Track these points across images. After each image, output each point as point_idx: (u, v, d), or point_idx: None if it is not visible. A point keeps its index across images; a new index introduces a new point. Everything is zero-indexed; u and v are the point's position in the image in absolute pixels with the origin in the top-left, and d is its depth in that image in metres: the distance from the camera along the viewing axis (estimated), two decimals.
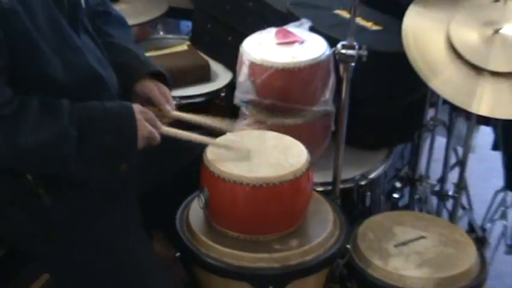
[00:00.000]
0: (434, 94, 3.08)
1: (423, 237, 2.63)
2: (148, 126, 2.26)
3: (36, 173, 2.22)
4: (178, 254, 2.38)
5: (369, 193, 3.04)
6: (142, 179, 2.49)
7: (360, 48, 2.58)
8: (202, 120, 2.46)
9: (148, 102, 2.47)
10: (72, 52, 2.20)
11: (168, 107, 2.44)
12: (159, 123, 2.32)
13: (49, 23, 2.13)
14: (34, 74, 2.11)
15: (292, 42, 2.80)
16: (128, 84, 2.45)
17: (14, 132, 2.01)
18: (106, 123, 2.17)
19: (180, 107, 3.05)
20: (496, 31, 2.63)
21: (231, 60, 2.97)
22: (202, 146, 2.39)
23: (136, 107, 2.26)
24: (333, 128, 2.83)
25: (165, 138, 2.37)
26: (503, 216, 3.49)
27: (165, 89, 2.53)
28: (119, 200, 2.37)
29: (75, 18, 2.28)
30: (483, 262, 2.57)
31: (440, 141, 3.52)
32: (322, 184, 2.81)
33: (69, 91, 2.16)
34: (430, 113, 3.38)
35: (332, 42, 2.71)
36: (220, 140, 2.44)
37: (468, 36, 2.63)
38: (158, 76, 2.55)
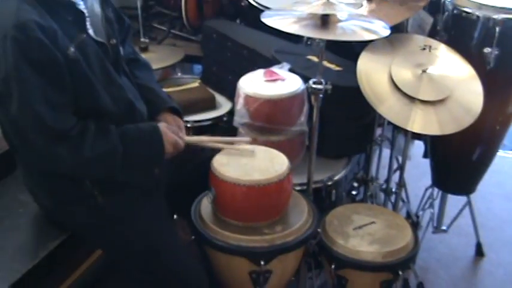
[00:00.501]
0: (381, 117, 3.10)
1: (374, 222, 2.64)
2: (173, 135, 2.30)
3: (92, 179, 2.24)
4: (193, 237, 2.39)
5: (334, 191, 3.02)
6: (168, 180, 2.51)
7: (326, 84, 2.59)
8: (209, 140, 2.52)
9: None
10: (117, 89, 2.24)
11: (180, 135, 2.43)
12: (181, 133, 2.38)
13: (100, 68, 2.17)
14: (90, 106, 2.15)
15: (276, 80, 2.80)
16: (152, 116, 2.47)
17: (79, 147, 2.06)
18: (141, 140, 2.22)
19: (194, 128, 3.09)
20: (424, 71, 2.65)
21: (231, 93, 2.96)
22: (206, 154, 2.44)
23: (162, 124, 2.32)
24: (307, 142, 2.82)
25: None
26: (431, 206, 3.51)
27: (179, 121, 2.54)
28: (152, 198, 2.40)
29: (118, 64, 2.32)
30: (416, 240, 2.58)
31: (386, 151, 3.53)
32: (299, 184, 2.80)
33: (114, 118, 2.20)
34: (378, 131, 3.39)
35: (306, 79, 2.72)
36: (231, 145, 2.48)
37: (404, 74, 2.65)
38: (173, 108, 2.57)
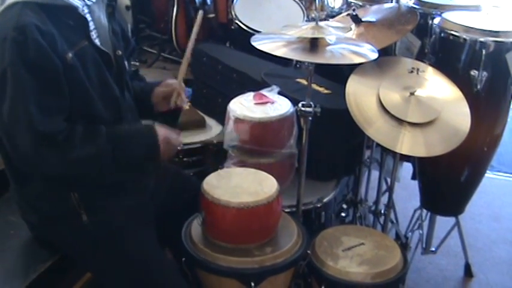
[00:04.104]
0: (369, 139, 3.11)
1: (363, 243, 2.64)
2: (169, 132, 2.34)
3: (79, 196, 2.23)
4: (184, 259, 2.39)
5: (323, 213, 3.03)
6: (157, 208, 2.51)
7: (315, 107, 2.60)
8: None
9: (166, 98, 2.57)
10: (112, 100, 2.26)
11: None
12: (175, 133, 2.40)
13: (97, 77, 2.20)
14: (83, 111, 2.16)
15: (266, 103, 2.80)
16: (149, 93, 2.58)
17: (66, 152, 2.06)
18: (133, 139, 2.23)
19: (184, 150, 3.08)
20: (412, 93, 2.66)
21: (221, 116, 2.96)
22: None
23: (157, 125, 2.34)
24: (296, 165, 2.82)
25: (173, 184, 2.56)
26: (420, 227, 3.52)
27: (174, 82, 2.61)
28: (139, 221, 2.38)
29: (121, 79, 2.35)
30: (405, 261, 2.59)
31: (375, 173, 3.55)
32: (288, 206, 2.79)
33: (106, 122, 2.20)
34: (367, 153, 3.41)
35: (295, 102, 2.73)
36: (211, 176, 2.47)
37: (392, 97, 2.66)
38: None
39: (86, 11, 2.22)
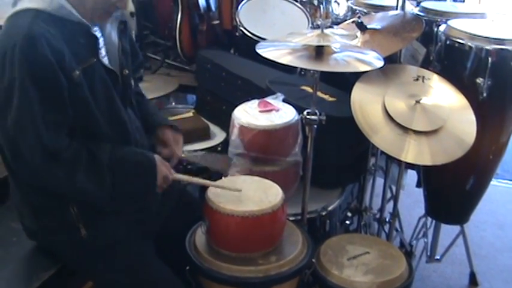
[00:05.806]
0: (374, 147, 3.10)
1: (368, 252, 2.62)
2: (165, 170, 2.28)
3: (78, 210, 2.21)
4: (187, 267, 2.37)
5: (328, 221, 3.02)
6: (161, 226, 2.50)
7: (320, 115, 2.59)
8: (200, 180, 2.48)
9: (164, 144, 2.54)
10: (117, 119, 2.24)
11: (178, 151, 2.49)
12: (171, 170, 2.34)
13: (104, 94, 2.17)
14: (86, 128, 2.14)
15: (270, 110, 2.78)
16: (152, 129, 2.53)
17: (73, 170, 2.05)
18: (133, 170, 2.20)
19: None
20: (418, 101, 2.65)
21: (225, 123, 2.95)
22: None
23: (157, 157, 2.29)
24: (301, 173, 2.81)
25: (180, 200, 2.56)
26: (425, 235, 3.51)
27: (179, 137, 2.58)
28: (139, 234, 2.36)
29: (126, 96, 2.32)
30: (411, 269, 2.58)
31: (379, 181, 3.53)
32: (293, 215, 2.78)
33: (109, 141, 2.19)
34: (372, 160, 3.39)
35: (300, 110, 2.71)
36: (217, 182, 2.45)
37: (398, 105, 2.65)
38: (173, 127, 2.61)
39: (97, 27, 2.21)
